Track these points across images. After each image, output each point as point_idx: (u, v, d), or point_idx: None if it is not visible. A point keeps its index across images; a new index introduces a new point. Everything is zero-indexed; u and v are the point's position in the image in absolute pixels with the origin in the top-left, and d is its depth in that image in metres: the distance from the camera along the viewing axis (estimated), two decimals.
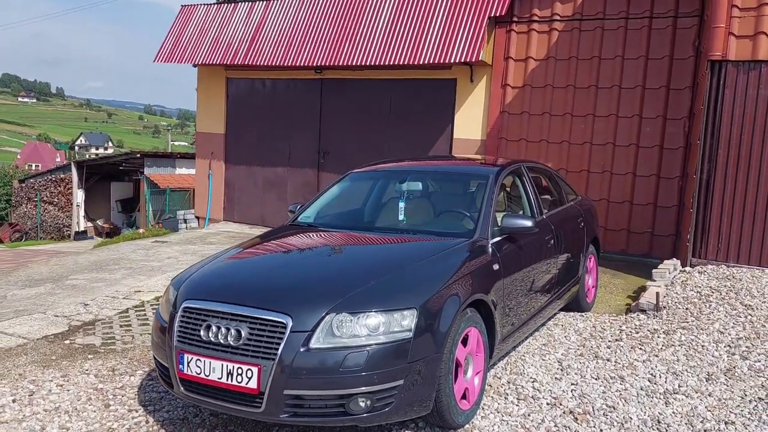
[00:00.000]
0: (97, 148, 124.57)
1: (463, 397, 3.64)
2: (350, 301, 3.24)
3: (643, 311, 5.85)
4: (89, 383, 4.30)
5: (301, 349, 3.09)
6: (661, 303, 5.85)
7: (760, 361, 4.60)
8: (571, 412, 3.84)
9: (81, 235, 23.06)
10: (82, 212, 24.63)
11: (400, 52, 9.36)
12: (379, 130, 10.31)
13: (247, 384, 3.12)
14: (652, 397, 4.05)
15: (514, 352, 4.86)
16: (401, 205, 4.81)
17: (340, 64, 9.85)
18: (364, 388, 3.09)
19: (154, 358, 3.72)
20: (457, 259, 3.82)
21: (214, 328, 3.27)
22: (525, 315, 4.49)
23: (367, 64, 9.63)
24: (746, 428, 3.64)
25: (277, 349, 3.10)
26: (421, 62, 9.16)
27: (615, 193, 8.61)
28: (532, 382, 4.28)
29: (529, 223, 4.26)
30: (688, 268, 7.02)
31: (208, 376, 3.23)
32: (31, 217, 26.43)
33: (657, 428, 3.64)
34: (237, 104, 11.78)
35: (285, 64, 10.33)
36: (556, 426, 3.66)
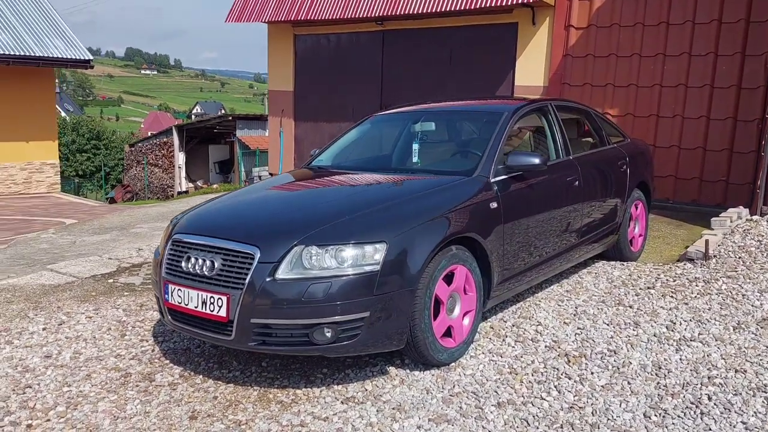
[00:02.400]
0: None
1: (448, 335, 3.57)
2: (320, 234, 3.23)
3: (691, 260, 5.44)
4: (116, 316, 4.59)
5: (267, 279, 3.13)
6: (711, 251, 5.41)
7: None
8: (566, 354, 3.67)
9: (183, 195, 24.46)
10: (183, 173, 26.03)
11: None
12: (440, 81, 10.08)
13: (217, 312, 3.22)
14: (664, 344, 3.79)
15: (531, 297, 4.69)
16: (415, 146, 4.71)
17: (399, 13, 9.67)
18: (325, 318, 3.10)
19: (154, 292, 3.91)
20: (446, 196, 3.70)
21: (192, 260, 3.38)
22: (536, 258, 4.30)
23: (426, 11, 9.39)
24: (757, 376, 3.33)
25: (245, 279, 3.16)
26: (480, 6, 8.82)
27: (687, 138, 7.99)
28: (537, 325, 4.12)
29: (536, 161, 4.05)
30: (756, 217, 6.43)
31: (187, 305, 3.35)
32: (140, 179, 28.30)
33: (656, 373, 3.41)
34: (304, 61, 11.90)
35: (346, 17, 10.29)
36: (545, 367, 3.52)
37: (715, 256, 5.40)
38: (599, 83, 8.50)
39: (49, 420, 3.13)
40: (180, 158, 26.02)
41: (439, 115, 4.92)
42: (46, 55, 14.20)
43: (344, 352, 3.22)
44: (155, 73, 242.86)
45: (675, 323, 4.09)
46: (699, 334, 3.92)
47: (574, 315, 4.30)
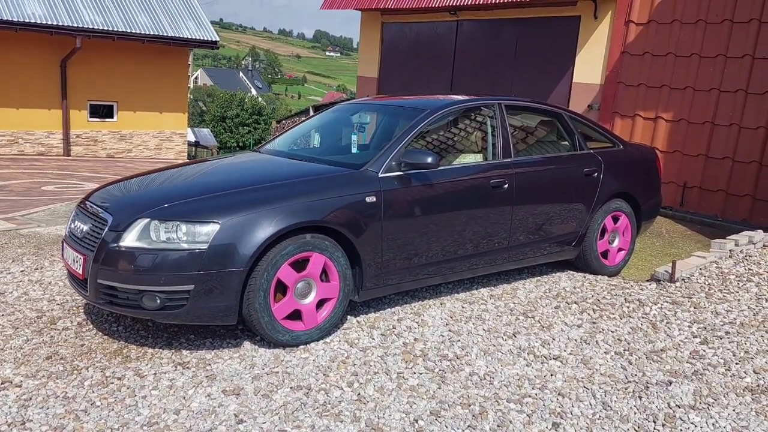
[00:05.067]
0: None
1: (297, 318, 3.74)
2: (165, 210, 3.55)
3: (658, 281, 5.04)
4: None
5: (112, 245, 3.51)
6: (679, 274, 4.97)
7: (716, 351, 3.78)
8: (410, 353, 3.69)
9: None
10: None
11: None
12: (505, 73, 9.87)
13: (78, 270, 3.67)
14: (519, 357, 3.66)
15: (447, 297, 4.66)
16: (353, 137, 4.87)
17: (470, 3, 9.59)
18: (150, 286, 3.43)
19: None
20: (312, 186, 3.84)
21: (77, 222, 3.88)
22: (432, 259, 4.26)
23: (495, 2, 9.24)
24: (575, 403, 3.14)
25: (97, 242, 3.58)
26: None
27: (742, 151, 7.21)
28: (417, 323, 4.13)
29: (428, 159, 4.04)
30: None
31: (68, 262, 3.85)
32: None
33: (475, 383, 3.34)
34: (389, 49, 12.16)
35: (421, 6, 10.39)
36: (377, 362, 3.57)
37: (684, 279, 4.95)
38: (654, 84, 7.89)
39: None
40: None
41: (376, 109, 5.01)
42: (177, 35, 15.77)
43: (173, 319, 3.54)
44: (338, 55, 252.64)
45: (555, 340, 3.91)
46: (570, 353, 3.73)
47: (466, 318, 4.24)
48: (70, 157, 15.66)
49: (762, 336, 3.95)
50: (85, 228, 3.74)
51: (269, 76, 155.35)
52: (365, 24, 12.62)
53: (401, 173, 4.12)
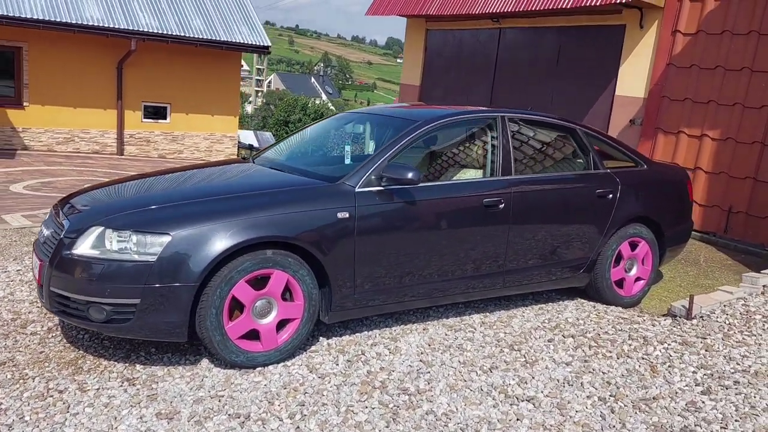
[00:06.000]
0: None
1: (254, 338, 3.53)
2: (117, 219, 3.40)
3: (674, 316, 4.57)
4: None
5: (64, 252, 3.40)
6: (697, 311, 4.48)
7: (717, 404, 3.34)
8: (369, 383, 3.41)
9: None
10: None
11: None
12: (546, 83, 9.42)
13: (37, 276, 3.58)
14: (488, 396, 3.32)
15: (434, 321, 4.35)
16: (347, 148, 4.64)
17: (511, 10, 9.21)
18: (95, 298, 3.28)
19: None
20: (275, 199, 3.60)
21: (43, 227, 3.79)
22: (415, 280, 3.97)
23: (537, 9, 8.82)
24: None
25: (53, 248, 3.48)
26: (590, 4, 8.04)
27: None
28: (390, 350, 3.84)
29: (409, 174, 3.75)
30: None
31: (33, 266, 3.78)
32: None
33: (430, 424, 3.03)
34: (433, 56, 11.87)
35: (462, 13, 10.07)
36: (332, 391, 3.31)
37: (702, 316, 4.47)
38: (701, 99, 7.29)
39: None
40: None
41: (369, 120, 4.75)
42: (230, 40, 15.97)
43: (119, 333, 3.38)
44: None
45: (535, 379, 3.54)
46: (546, 395, 3.36)
47: (445, 348, 3.92)
48: (122, 156, 16.08)
49: None
50: (47, 233, 3.65)
51: (340, 81, 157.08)
52: (410, 31, 12.39)
53: (381, 188, 3.85)
